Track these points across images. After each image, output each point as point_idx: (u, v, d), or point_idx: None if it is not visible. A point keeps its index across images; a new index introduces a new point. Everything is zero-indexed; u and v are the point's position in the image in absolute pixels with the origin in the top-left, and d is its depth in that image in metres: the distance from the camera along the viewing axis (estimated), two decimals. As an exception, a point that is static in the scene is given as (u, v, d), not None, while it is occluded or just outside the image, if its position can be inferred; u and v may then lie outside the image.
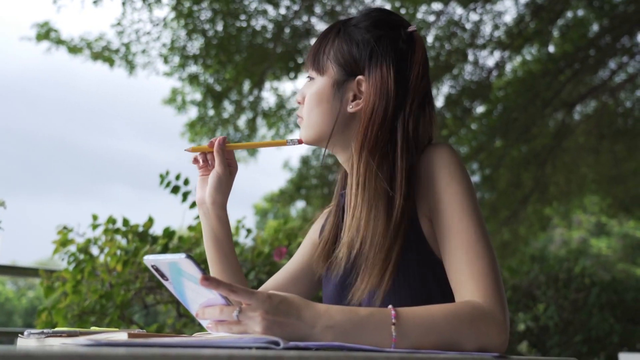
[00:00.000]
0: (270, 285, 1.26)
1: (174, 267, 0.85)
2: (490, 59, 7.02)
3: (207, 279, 0.80)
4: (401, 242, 1.01)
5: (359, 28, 1.14)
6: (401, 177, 1.03)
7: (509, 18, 8.24)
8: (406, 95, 1.09)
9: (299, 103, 1.18)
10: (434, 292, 1.02)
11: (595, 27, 7.05)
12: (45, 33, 6.14)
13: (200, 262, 2.44)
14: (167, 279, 0.89)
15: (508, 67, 7.62)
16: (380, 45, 1.11)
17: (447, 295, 1.00)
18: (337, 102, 1.12)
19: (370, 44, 1.11)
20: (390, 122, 1.07)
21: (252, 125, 7.58)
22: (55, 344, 0.82)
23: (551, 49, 7.45)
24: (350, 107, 1.12)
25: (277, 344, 0.73)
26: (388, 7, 6.58)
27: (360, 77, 1.11)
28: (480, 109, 7.67)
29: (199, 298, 0.88)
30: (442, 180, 1.02)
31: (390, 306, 0.89)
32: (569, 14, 7.01)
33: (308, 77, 1.18)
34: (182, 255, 0.81)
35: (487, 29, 6.77)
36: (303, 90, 1.18)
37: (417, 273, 1.03)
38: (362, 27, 1.14)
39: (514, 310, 6.78)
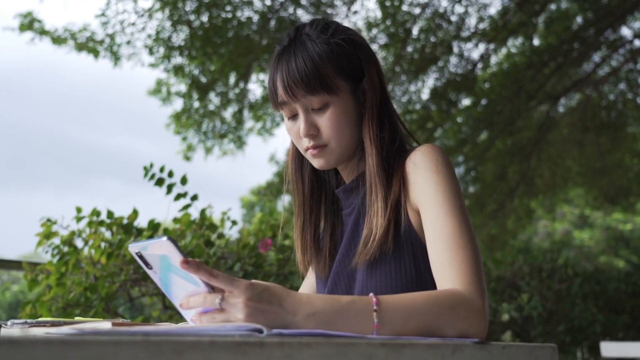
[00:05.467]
0: None
1: (164, 260, 0.85)
2: (475, 51, 7.06)
3: (187, 262, 0.80)
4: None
5: (330, 35, 1.11)
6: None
7: (493, 10, 8.29)
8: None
9: (312, 135, 1.12)
10: (414, 276, 1.06)
11: (579, 20, 7.10)
12: (29, 23, 6.06)
13: (187, 254, 2.44)
14: (151, 268, 0.89)
15: (493, 60, 7.66)
16: (363, 41, 1.15)
17: (426, 282, 1.03)
18: (359, 115, 1.15)
19: (357, 42, 1.14)
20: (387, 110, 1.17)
21: (238, 117, 7.56)
22: (39, 333, 0.82)
23: (536, 41, 7.50)
24: (364, 110, 1.15)
25: (260, 331, 0.73)
26: (374, -1, 6.56)
27: (364, 79, 1.14)
28: (465, 102, 7.71)
29: (184, 293, 0.88)
30: (430, 175, 1.06)
31: (371, 294, 0.90)
32: (553, 7, 7.06)
33: (309, 108, 1.12)
34: (164, 238, 0.81)
35: (472, 21, 6.80)
36: (312, 120, 1.12)
37: (401, 257, 1.07)
38: (331, 33, 1.11)
39: (498, 301, 6.84)
